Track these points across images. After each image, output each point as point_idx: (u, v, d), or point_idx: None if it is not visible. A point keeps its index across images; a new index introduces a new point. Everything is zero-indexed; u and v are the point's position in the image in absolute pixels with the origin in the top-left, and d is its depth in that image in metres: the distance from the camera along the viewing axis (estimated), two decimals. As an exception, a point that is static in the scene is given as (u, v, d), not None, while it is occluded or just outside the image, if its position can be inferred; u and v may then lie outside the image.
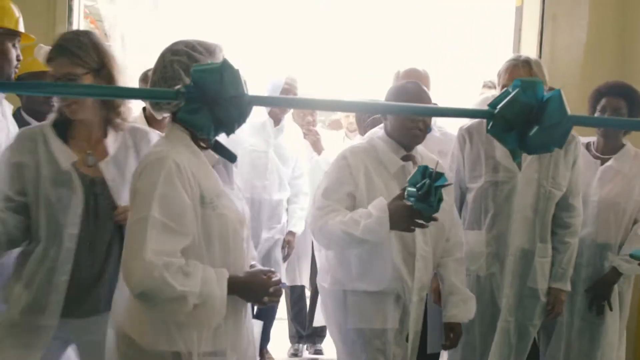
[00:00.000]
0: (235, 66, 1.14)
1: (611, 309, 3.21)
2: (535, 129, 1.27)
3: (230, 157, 2.06)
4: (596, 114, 3.14)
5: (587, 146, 3.31)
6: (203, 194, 1.88)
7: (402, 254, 2.57)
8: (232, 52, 2.06)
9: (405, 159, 2.62)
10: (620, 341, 3.37)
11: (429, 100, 2.57)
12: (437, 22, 4.61)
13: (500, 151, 2.91)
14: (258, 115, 4.06)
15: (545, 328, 3.27)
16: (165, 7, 4.32)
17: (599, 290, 3.21)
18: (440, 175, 2.15)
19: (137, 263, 1.76)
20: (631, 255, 2.85)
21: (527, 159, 2.90)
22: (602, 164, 3.27)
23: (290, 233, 4.22)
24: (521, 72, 2.86)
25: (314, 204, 2.63)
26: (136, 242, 1.78)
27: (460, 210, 3.07)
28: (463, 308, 2.69)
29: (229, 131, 1.15)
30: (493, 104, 1.28)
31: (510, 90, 1.27)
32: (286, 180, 4.18)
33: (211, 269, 1.88)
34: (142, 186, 1.85)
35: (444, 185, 2.17)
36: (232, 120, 1.13)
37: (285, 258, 4.20)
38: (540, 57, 4.16)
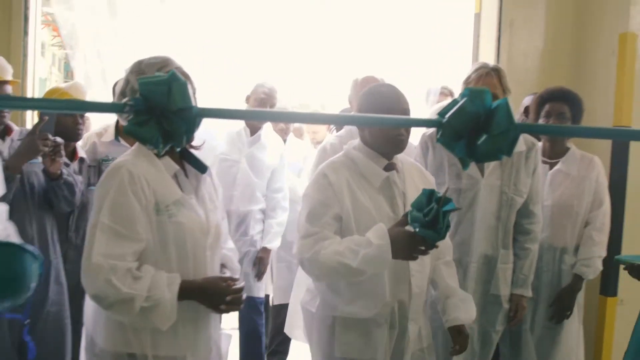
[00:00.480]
0: (183, 78, 1.14)
1: (569, 316, 3.26)
2: (483, 137, 1.29)
3: (200, 167, 2.13)
4: (540, 120, 3.21)
5: None
6: (158, 202, 1.94)
7: (394, 277, 2.40)
8: (190, 60, 2.07)
9: (388, 168, 2.44)
10: (579, 343, 3.43)
11: (405, 103, 2.44)
12: (396, 29, 4.63)
13: None
14: (236, 123, 4.02)
15: (507, 334, 3.31)
16: (124, 13, 4.28)
17: (564, 300, 3.26)
18: (448, 200, 2.05)
19: (86, 266, 1.86)
20: (617, 260, 2.90)
21: (489, 166, 2.93)
22: (551, 168, 3.34)
23: (264, 249, 4.02)
24: (493, 80, 2.90)
25: (298, 231, 2.40)
26: (87, 246, 1.88)
27: None
28: (464, 309, 2.52)
29: (178, 144, 1.14)
30: (442, 113, 1.29)
31: (459, 99, 1.28)
32: (259, 193, 4.02)
33: (163, 274, 1.92)
34: (97, 194, 1.95)
35: (451, 211, 2.07)
36: (180, 132, 1.12)
37: (257, 275, 4.00)
38: (498, 63, 4.21)
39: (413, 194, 2.20)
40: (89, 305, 2.05)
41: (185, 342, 2.01)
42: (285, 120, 3.45)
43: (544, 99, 3.22)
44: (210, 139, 3.95)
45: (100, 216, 1.88)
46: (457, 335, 2.50)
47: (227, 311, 2.05)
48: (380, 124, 2.36)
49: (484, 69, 2.94)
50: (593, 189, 3.27)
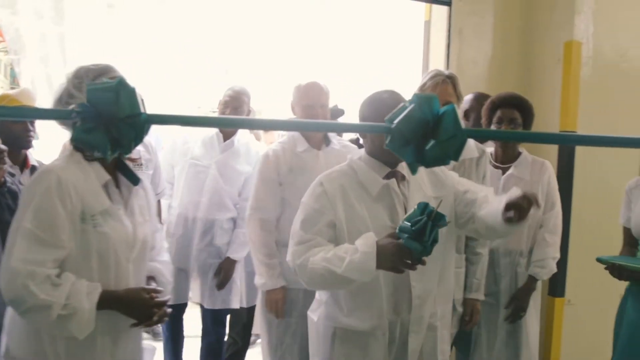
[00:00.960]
0: (132, 85, 1.13)
1: (522, 316, 3.31)
2: (431, 143, 1.31)
3: (132, 179, 2.09)
4: (492, 126, 3.25)
5: None
6: (84, 210, 1.91)
7: (393, 289, 2.36)
8: (138, 65, 2.05)
9: (390, 176, 2.36)
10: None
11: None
12: (347, 36, 4.66)
13: None
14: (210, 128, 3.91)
15: (460, 338, 3.35)
16: (71, 18, 4.20)
17: (518, 301, 3.31)
18: (440, 216, 2.01)
19: (4, 271, 1.82)
20: (598, 260, 2.96)
21: None
22: (504, 173, 3.39)
23: (228, 260, 3.85)
24: (448, 87, 2.93)
25: (292, 238, 2.37)
26: (7, 251, 1.84)
27: None
28: None
29: (126, 151, 1.13)
30: (390, 119, 1.31)
31: (407, 105, 1.30)
32: (229, 201, 3.86)
33: (84, 282, 1.89)
34: (23, 198, 1.92)
35: (441, 225, 2.03)
36: (128, 139, 1.11)
37: (218, 286, 3.84)
38: (447, 70, 4.28)
39: (419, 201, 2.11)
40: (8, 313, 2.01)
41: (103, 354, 1.98)
42: (237, 126, 3.41)
43: (495, 105, 3.27)
44: (182, 143, 3.90)
45: (23, 220, 1.84)
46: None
47: (151, 324, 2.02)
48: (333, 129, 2.37)
49: (440, 77, 2.96)
50: (545, 192, 3.32)
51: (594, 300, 4.18)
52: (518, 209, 2.08)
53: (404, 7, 4.83)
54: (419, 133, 1.29)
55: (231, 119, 1.73)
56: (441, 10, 4.41)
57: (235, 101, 3.79)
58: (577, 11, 4.12)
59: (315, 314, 2.55)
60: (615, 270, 2.81)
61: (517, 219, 2.08)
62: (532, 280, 3.30)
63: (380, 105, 2.31)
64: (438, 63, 4.36)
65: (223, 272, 3.83)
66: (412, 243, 2.02)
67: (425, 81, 2.98)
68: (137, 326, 2.02)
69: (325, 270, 2.18)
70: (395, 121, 1.29)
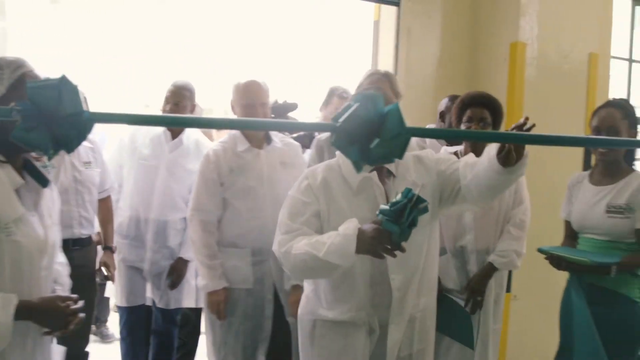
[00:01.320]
0: (74, 82, 1.11)
1: (480, 303, 3.28)
2: (376, 141, 1.33)
3: (42, 180, 2.00)
4: (462, 125, 3.27)
5: (455, 155, 3.43)
6: None
7: (371, 280, 2.34)
8: (81, 60, 2.00)
9: (373, 170, 2.36)
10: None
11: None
12: (297, 35, 4.66)
13: None
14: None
15: None
16: (13, 14, 4.11)
17: (475, 285, 3.29)
18: (421, 200, 1.99)
19: None
20: (539, 250, 3.01)
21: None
22: None
23: (180, 260, 3.77)
24: (385, 86, 2.92)
25: (279, 229, 2.36)
26: None
27: None
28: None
29: (69, 149, 1.11)
30: (336, 117, 1.32)
31: (352, 104, 1.32)
32: (181, 200, 3.75)
33: None
34: None
35: (422, 210, 2.00)
36: (70, 138, 1.09)
37: (171, 286, 3.76)
38: (396, 69, 4.33)
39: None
40: None
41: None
42: (183, 125, 3.35)
43: (465, 104, 3.28)
44: (130, 142, 3.80)
45: None
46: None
47: (65, 332, 1.97)
48: (280, 128, 2.36)
49: (376, 75, 2.95)
50: (514, 189, 3.33)
51: (537, 295, 4.28)
52: (510, 150, 2.05)
53: (353, 7, 4.86)
54: (364, 132, 1.31)
55: (175, 117, 1.70)
56: (390, 10, 4.45)
57: (176, 96, 3.71)
58: (522, 13, 4.22)
59: (300, 310, 2.55)
60: (554, 260, 2.90)
61: (513, 158, 2.06)
62: (489, 267, 3.24)
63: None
64: (387, 62, 4.40)
65: (175, 273, 3.77)
66: (390, 225, 2.00)
67: (362, 81, 2.97)
68: (50, 335, 1.97)
69: (307, 255, 2.18)
70: (340, 120, 1.30)
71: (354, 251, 2.09)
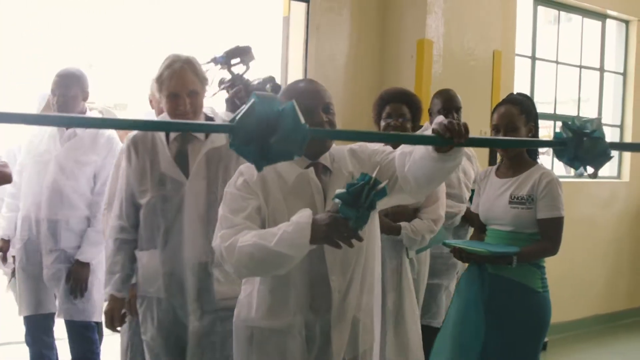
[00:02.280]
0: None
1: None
2: (273, 138, 1.32)
3: None
4: (382, 121, 3.28)
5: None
6: None
7: (309, 283, 2.22)
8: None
9: (308, 167, 2.25)
10: None
11: (325, 95, 2.25)
12: (205, 30, 4.60)
13: (166, 162, 2.70)
14: None
15: None
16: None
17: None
18: (378, 182, 1.89)
19: None
20: (443, 243, 3.05)
21: (193, 167, 2.72)
22: None
23: (78, 263, 3.47)
24: (188, 74, 2.67)
25: (221, 224, 2.19)
26: None
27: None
28: None
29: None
30: (233, 118, 1.30)
31: (248, 102, 1.30)
32: (77, 197, 3.48)
33: None
34: None
35: (379, 192, 1.90)
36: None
37: (72, 291, 3.46)
38: (305, 65, 4.34)
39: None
40: None
41: None
42: (73, 125, 3.18)
43: (384, 101, 3.30)
44: (29, 142, 3.59)
45: None
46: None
47: None
48: (174, 129, 2.30)
49: (177, 63, 2.65)
50: None
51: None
52: (447, 130, 1.94)
53: (263, 2, 4.83)
54: (260, 130, 1.30)
55: (63, 117, 1.62)
56: (299, 7, 4.46)
57: (61, 87, 3.43)
58: (429, 11, 4.31)
59: (235, 317, 2.39)
60: (457, 252, 2.97)
61: (450, 140, 1.94)
62: (396, 228, 3.24)
63: (296, 94, 2.17)
64: (297, 58, 4.40)
65: (72, 278, 3.48)
66: (347, 210, 1.90)
67: (162, 71, 2.66)
68: None
69: (254, 246, 2.02)
70: (237, 119, 1.29)
71: (307, 241, 1.96)
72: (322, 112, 2.22)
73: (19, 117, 1.43)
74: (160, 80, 2.66)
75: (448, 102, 3.70)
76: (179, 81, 2.63)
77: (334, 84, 4.23)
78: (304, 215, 2.00)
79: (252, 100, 1.28)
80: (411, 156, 2.12)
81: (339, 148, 2.37)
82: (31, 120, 2.04)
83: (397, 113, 3.21)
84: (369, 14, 4.57)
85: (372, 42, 4.58)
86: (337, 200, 1.92)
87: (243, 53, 3.29)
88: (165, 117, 2.81)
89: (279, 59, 4.52)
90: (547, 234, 2.95)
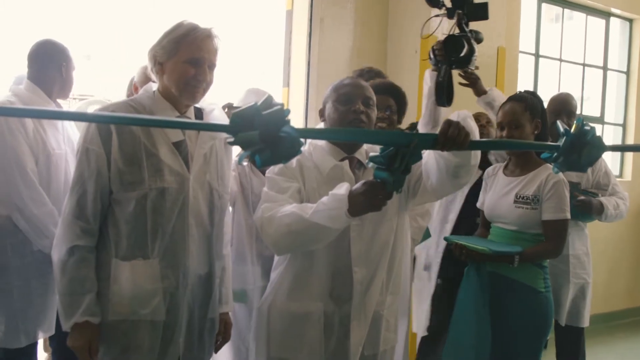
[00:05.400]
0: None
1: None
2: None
3: None
4: None
5: None
6: None
7: (332, 271, 2.23)
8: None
9: (343, 160, 2.29)
10: None
11: (367, 91, 2.30)
12: (208, 24, 4.56)
13: (165, 149, 2.22)
14: None
15: None
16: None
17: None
18: (416, 150, 1.87)
19: None
20: (445, 239, 3.01)
21: (195, 159, 2.29)
22: None
23: None
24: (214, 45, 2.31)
25: (263, 200, 2.20)
26: None
27: None
28: None
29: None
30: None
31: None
32: None
33: None
34: None
35: (414, 156, 1.89)
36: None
37: None
38: (309, 59, 4.30)
39: None
40: None
41: None
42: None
43: None
44: None
45: None
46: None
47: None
48: (189, 128, 2.25)
49: (203, 30, 2.21)
50: None
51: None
52: (445, 136, 1.91)
53: (266, -5, 4.81)
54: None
55: (54, 112, 1.58)
56: (303, 0, 4.41)
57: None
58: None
59: (260, 301, 2.42)
60: (457, 249, 2.94)
61: (449, 144, 1.91)
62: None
63: (340, 85, 2.34)
64: (300, 52, 4.37)
65: None
66: (381, 173, 1.89)
67: (180, 34, 2.19)
68: None
69: (292, 216, 2.04)
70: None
71: (344, 212, 1.96)
72: (361, 103, 2.27)
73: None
74: (174, 42, 2.17)
75: (559, 105, 3.76)
76: (205, 48, 2.19)
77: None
78: (341, 187, 2.01)
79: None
80: (431, 152, 2.12)
81: (375, 145, 2.34)
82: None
83: (383, 105, 3.19)
84: (373, 7, 4.54)
85: (376, 36, 4.54)
86: (371, 164, 1.92)
87: None
88: (148, 88, 2.31)
89: (281, 52, 4.48)
90: (551, 235, 2.93)
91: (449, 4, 3.09)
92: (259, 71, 3.71)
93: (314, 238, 2.09)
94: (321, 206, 2.00)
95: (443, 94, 3.14)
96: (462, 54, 3.05)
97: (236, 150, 2.65)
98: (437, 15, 3.23)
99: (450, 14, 3.18)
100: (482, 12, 3.18)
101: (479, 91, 3.60)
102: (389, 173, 1.87)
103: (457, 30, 3.08)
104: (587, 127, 2.12)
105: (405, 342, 3.05)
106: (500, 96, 3.53)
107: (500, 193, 3.07)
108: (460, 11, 3.10)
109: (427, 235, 3.29)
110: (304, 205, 2.09)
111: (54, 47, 3.14)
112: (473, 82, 3.56)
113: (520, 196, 2.97)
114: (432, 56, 3.22)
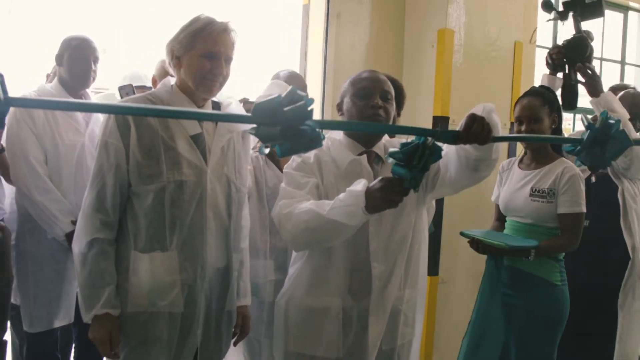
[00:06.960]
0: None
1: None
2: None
3: None
4: None
5: None
6: None
7: (351, 267, 2.25)
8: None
9: (361, 155, 2.29)
10: None
11: (385, 84, 2.32)
12: (225, 19, 4.58)
13: (183, 142, 2.24)
14: None
15: None
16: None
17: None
18: (436, 147, 1.87)
19: None
20: (461, 233, 3.03)
21: (212, 151, 2.31)
22: None
23: None
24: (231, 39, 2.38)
25: (281, 196, 2.21)
26: None
27: None
28: None
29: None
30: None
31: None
32: None
33: None
34: None
35: (434, 154, 1.88)
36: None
37: None
38: (325, 54, 4.31)
39: None
40: None
41: None
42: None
43: None
44: None
45: None
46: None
47: None
48: (210, 119, 2.27)
49: (220, 24, 2.26)
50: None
51: (464, 279, 4.37)
52: (468, 132, 1.92)
53: (283, -10, 4.81)
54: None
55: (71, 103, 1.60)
56: (319, -6, 4.42)
57: (83, 50, 3.21)
58: (450, 1, 4.26)
59: (279, 294, 2.43)
60: (474, 243, 2.95)
61: (470, 137, 1.92)
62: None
63: (358, 78, 2.35)
64: (316, 47, 4.38)
65: None
66: (399, 169, 1.88)
67: (197, 28, 2.23)
68: None
69: (310, 213, 2.04)
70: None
71: (361, 209, 1.95)
72: (379, 97, 2.27)
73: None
74: (191, 36, 2.20)
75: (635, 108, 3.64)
76: (221, 42, 2.21)
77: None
78: (359, 184, 2.00)
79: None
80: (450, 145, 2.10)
81: (393, 140, 2.42)
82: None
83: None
84: (389, 2, 4.53)
85: (393, 31, 4.54)
86: (390, 160, 1.90)
87: None
88: (166, 82, 2.35)
89: (298, 47, 4.49)
90: (567, 229, 2.93)
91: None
92: (276, 65, 3.71)
93: (331, 235, 2.09)
94: (338, 203, 2.00)
95: (574, 97, 3.18)
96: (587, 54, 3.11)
97: (253, 143, 2.70)
98: (549, 20, 3.42)
99: (563, 16, 3.22)
100: (597, 10, 3.19)
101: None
102: (407, 170, 1.87)
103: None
104: (611, 121, 2.13)
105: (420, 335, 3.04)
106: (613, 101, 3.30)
107: (515, 187, 3.08)
108: (573, 13, 3.17)
109: (430, 229, 3.31)
110: (322, 202, 2.09)
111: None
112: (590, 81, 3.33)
113: (536, 189, 2.97)
114: (549, 61, 3.26)
